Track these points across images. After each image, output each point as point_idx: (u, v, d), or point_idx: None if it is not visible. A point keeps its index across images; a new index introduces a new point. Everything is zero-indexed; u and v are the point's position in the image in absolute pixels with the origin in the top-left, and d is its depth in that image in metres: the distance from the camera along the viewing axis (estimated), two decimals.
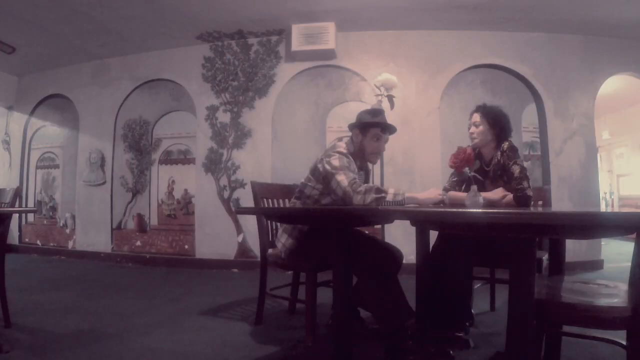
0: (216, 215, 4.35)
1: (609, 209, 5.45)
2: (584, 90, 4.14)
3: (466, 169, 2.06)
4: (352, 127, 2.10)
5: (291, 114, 4.31)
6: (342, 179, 1.84)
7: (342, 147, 2.01)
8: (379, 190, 1.79)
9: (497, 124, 2.08)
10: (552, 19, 3.86)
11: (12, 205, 2.28)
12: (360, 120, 2.08)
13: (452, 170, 2.18)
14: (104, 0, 3.56)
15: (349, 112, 4.15)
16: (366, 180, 2.23)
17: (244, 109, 4.38)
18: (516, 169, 1.97)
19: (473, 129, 2.10)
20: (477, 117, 2.11)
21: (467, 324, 2.10)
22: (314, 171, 2.01)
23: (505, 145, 2.05)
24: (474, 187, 1.87)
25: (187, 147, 4.56)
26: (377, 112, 2.14)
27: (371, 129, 2.04)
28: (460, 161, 2.06)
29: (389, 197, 1.80)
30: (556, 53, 4.14)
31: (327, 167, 1.91)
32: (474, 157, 2.09)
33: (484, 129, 2.08)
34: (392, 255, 2.05)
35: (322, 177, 1.95)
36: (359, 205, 1.77)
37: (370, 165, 2.28)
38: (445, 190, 2.14)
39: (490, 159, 2.11)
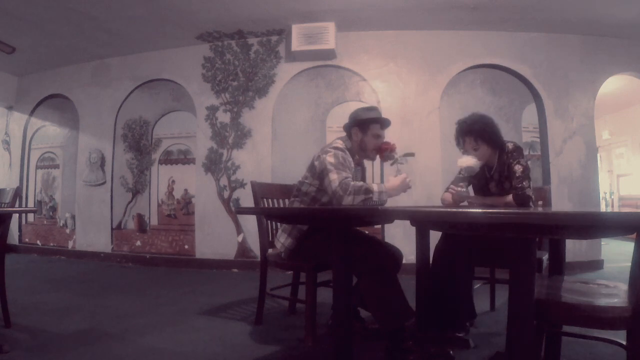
0: (216, 215, 4.35)
1: (609, 209, 5.45)
2: (584, 90, 4.15)
3: (473, 166, 2.04)
4: (349, 126, 2.11)
5: (291, 114, 4.31)
6: (334, 178, 1.85)
7: (339, 143, 2.02)
8: (367, 190, 1.80)
9: (491, 137, 2.04)
10: (552, 19, 3.86)
11: (12, 205, 2.28)
12: (358, 117, 2.08)
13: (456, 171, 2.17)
14: (104, 0, 3.57)
15: (349, 112, 4.11)
16: (363, 176, 2.24)
17: (244, 109, 4.38)
18: (518, 169, 1.98)
19: (473, 153, 2.05)
20: (471, 142, 2.06)
21: (468, 323, 2.10)
22: (311, 167, 2.02)
23: (510, 145, 2.06)
24: (461, 185, 2.04)
25: (187, 147, 4.56)
26: (373, 108, 2.17)
27: (371, 125, 2.05)
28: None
29: (375, 197, 1.82)
30: (556, 53, 4.14)
31: (323, 163, 1.91)
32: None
33: (483, 149, 2.05)
34: (392, 255, 2.05)
35: (318, 173, 1.96)
36: (348, 206, 1.78)
37: (365, 162, 2.29)
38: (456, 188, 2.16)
39: (492, 165, 2.11)
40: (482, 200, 2.11)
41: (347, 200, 1.79)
